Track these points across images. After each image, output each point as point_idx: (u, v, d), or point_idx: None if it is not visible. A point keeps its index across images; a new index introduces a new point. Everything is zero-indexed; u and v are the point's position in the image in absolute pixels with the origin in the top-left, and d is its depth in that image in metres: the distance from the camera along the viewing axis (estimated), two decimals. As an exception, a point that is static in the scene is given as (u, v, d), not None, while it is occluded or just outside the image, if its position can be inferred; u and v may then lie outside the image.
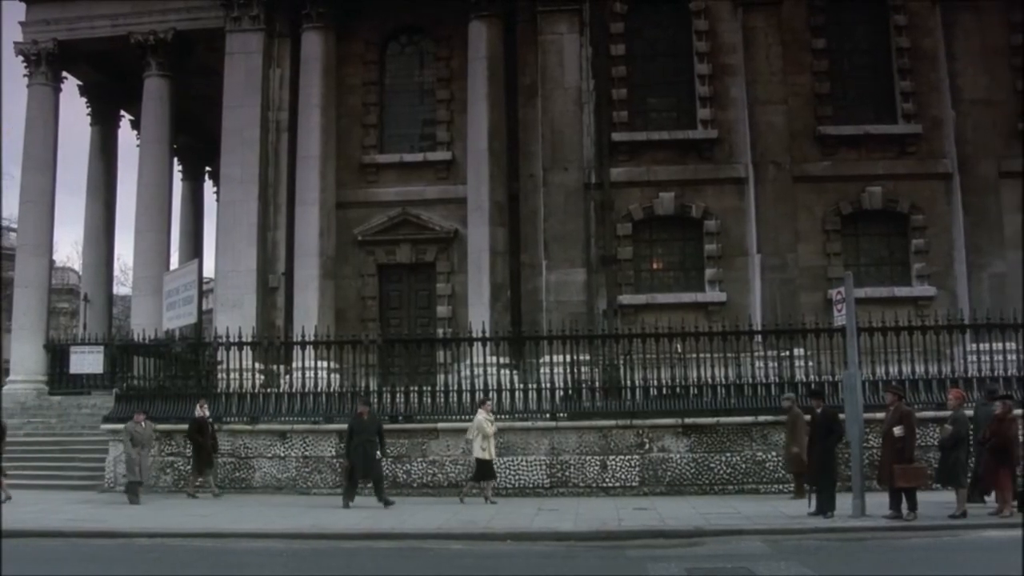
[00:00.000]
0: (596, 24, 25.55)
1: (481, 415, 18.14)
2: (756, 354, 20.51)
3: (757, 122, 24.79)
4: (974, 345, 20.80)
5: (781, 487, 18.40)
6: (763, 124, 24.74)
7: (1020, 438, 15.68)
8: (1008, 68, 25.24)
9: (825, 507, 15.21)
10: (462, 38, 25.94)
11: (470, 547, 13.43)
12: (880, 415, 16.44)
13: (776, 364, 20.14)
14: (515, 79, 25.82)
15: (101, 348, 27.18)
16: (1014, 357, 20.05)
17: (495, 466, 18.48)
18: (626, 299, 24.48)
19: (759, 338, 21.00)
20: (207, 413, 19.70)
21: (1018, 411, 16.16)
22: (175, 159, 32.12)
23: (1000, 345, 20.19)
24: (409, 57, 27.18)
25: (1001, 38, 25.31)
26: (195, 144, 34.98)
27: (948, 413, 16.14)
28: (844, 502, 15.30)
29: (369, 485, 17.88)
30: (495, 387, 19.98)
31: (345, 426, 18.46)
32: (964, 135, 24.70)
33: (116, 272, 37.73)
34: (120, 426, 19.71)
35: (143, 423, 19.04)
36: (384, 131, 26.84)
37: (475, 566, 12.20)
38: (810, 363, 20.14)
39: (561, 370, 20.15)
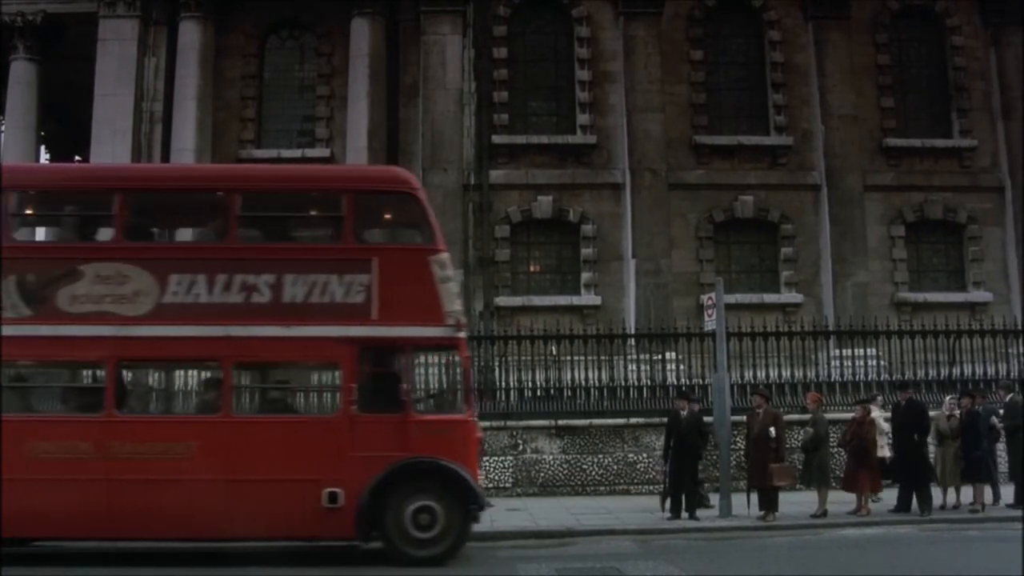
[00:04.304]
0: (479, 26, 25.61)
1: None
2: (629, 357, 20.81)
3: (635, 129, 25.17)
4: (838, 351, 21.61)
5: (651, 488, 18.69)
6: (640, 131, 25.14)
7: (878, 440, 16.35)
8: (875, 86, 26.29)
9: (690, 508, 15.56)
10: (344, 34, 25.69)
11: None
12: (744, 418, 16.82)
13: (648, 367, 20.49)
14: (397, 78, 25.68)
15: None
16: (875, 362, 20.86)
17: None
18: (503, 301, 24.56)
19: (632, 341, 21.33)
20: None
21: (876, 414, 16.83)
22: (42, 147, 31.00)
23: (862, 351, 21.03)
24: (290, 52, 26.78)
25: (868, 57, 26.37)
26: (64, 132, 33.74)
27: (810, 416, 16.69)
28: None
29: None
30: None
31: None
32: (832, 149, 25.55)
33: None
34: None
35: None
36: (262, 126, 26.34)
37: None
38: (682, 366, 20.52)
39: (436, 371, 20.10)
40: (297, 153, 25.60)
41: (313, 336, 12.09)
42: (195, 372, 13.72)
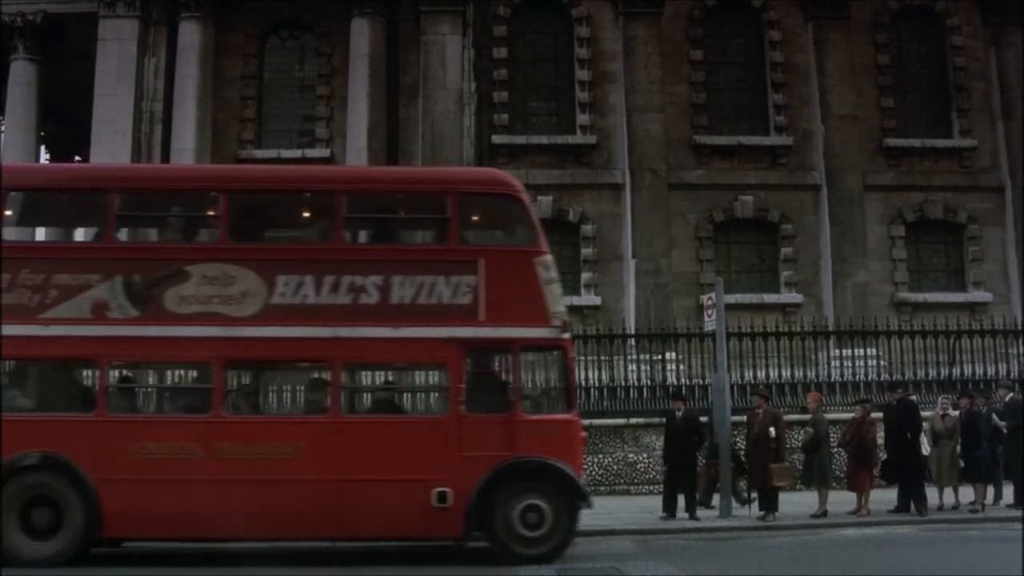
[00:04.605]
0: (479, 26, 25.61)
1: None
2: (629, 357, 20.82)
3: (635, 129, 25.18)
4: (837, 351, 21.63)
5: (652, 488, 18.70)
6: (640, 132, 25.15)
7: (878, 440, 16.37)
8: (875, 86, 26.30)
9: (689, 508, 15.58)
10: (344, 34, 25.69)
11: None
12: (744, 418, 16.84)
13: (648, 367, 20.50)
14: (397, 78, 25.68)
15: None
16: (875, 362, 20.87)
17: None
18: (503, 301, 24.48)
19: (632, 341, 21.34)
20: None
21: (876, 414, 16.85)
22: (42, 147, 31.01)
23: (862, 351, 21.04)
24: (290, 52, 26.78)
25: (868, 57, 26.37)
26: (64, 132, 33.75)
27: (809, 416, 16.71)
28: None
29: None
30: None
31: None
32: (832, 149, 25.56)
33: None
34: None
35: None
36: (262, 126, 26.34)
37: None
38: (682, 367, 20.54)
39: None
40: (297, 153, 25.57)
41: (421, 337, 12.12)
42: (298, 372, 13.83)
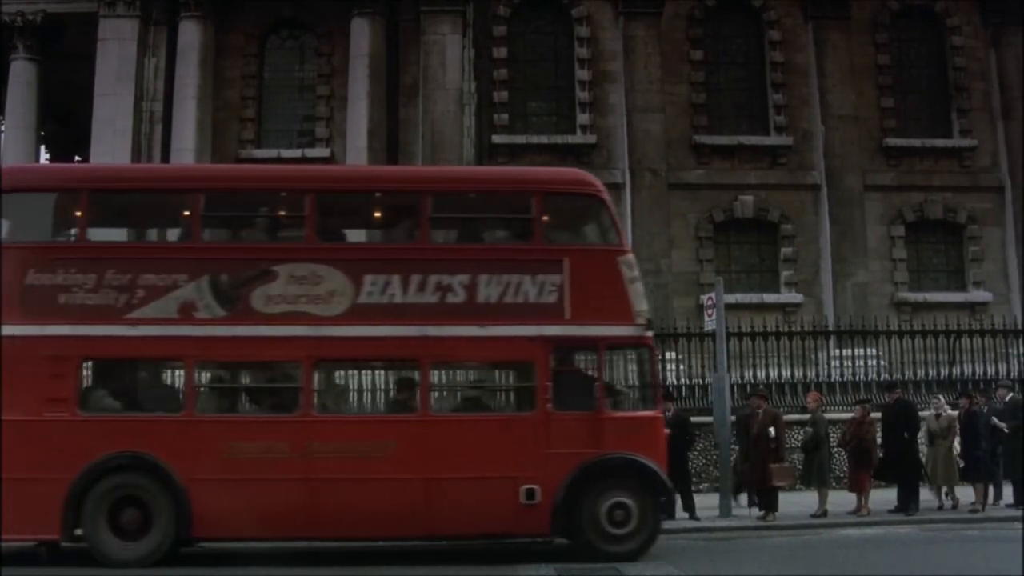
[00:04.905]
0: (479, 26, 25.61)
1: None
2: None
3: (635, 129, 25.19)
4: (837, 351, 21.64)
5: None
6: (640, 131, 25.16)
7: (878, 440, 16.38)
8: (875, 86, 26.30)
9: (688, 508, 15.59)
10: (344, 34, 25.68)
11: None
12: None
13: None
14: (397, 78, 25.67)
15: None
16: (874, 362, 20.88)
17: None
18: (503, 301, 24.49)
19: (632, 341, 21.30)
20: None
21: (876, 414, 16.87)
22: (42, 147, 31.01)
23: (862, 351, 21.05)
24: (290, 51, 26.77)
25: (868, 57, 26.37)
26: (64, 132, 33.77)
27: (809, 416, 16.72)
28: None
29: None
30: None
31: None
32: (832, 148, 25.55)
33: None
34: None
35: None
36: (262, 126, 26.32)
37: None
38: (681, 366, 20.54)
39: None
40: (297, 153, 25.56)
41: (509, 335, 12.19)
42: (385, 371, 13.90)
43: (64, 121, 32.32)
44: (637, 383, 12.97)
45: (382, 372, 14.11)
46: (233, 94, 26.06)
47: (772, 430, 15.38)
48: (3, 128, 28.16)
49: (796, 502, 16.29)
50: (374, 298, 12.16)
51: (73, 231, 12.83)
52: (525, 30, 26.43)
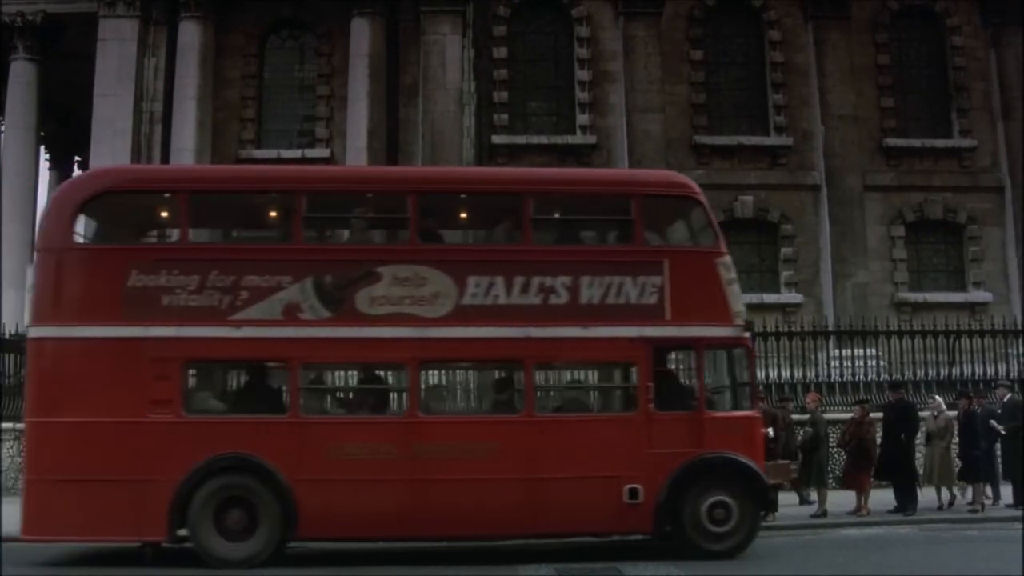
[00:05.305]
0: (479, 26, 25.62)
1: None
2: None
3: (635, 129, 25.21)
4: (837, 351, 21.63)
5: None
6: (640, 131, 25.17)
7: (877, 440, 16.40)
8: (875, 86, 26.31)
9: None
10: (344, 34, 25.70)
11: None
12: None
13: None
14: (397, 78, 25.69)
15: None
16: (874, 362, 20.88)
17: None
18: (503, 301, 24.50)
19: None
20: None
21: (876, 414, 16.87)
22: (42, 147, 31.03)
23: (861, 351, 21.04)
24: (290, 51, 26.78)
25: (868, 57, 26.38)
26: (64, 132, 33.78)
27: (808, 416, 16.74)
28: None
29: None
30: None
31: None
32: (832, 149, 25.57)
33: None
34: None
35: None
36: (262, 126, 26.34)
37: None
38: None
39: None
40: (297, 153, 25.58)
41: (611, 336, 12.21)
42: (487, 372, 13.83)
43: (64, 121, 32.33)
44: (735, 383, 13.00)
45: (484, 373, 14.02)
46: (233, 94, 26.08)
47: (771, 430, 15.36)
48: (3, 128, 28.17)
49: (796, 502, 16.31)
50: (478, 299, 12.16)
51: (174, 233, 12.79)
52: (525, 30, 26.44)
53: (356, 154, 24.84)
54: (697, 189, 13.12)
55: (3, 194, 26.64)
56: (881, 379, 20.53)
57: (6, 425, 19.44)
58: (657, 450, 11.93)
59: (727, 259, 12.66)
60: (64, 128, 33.20)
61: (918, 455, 16.90)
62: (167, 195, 12.94)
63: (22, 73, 26.91)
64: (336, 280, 12.10)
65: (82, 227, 12.62)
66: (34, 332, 12.03)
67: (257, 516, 11.59)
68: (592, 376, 14.06)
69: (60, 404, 11.66)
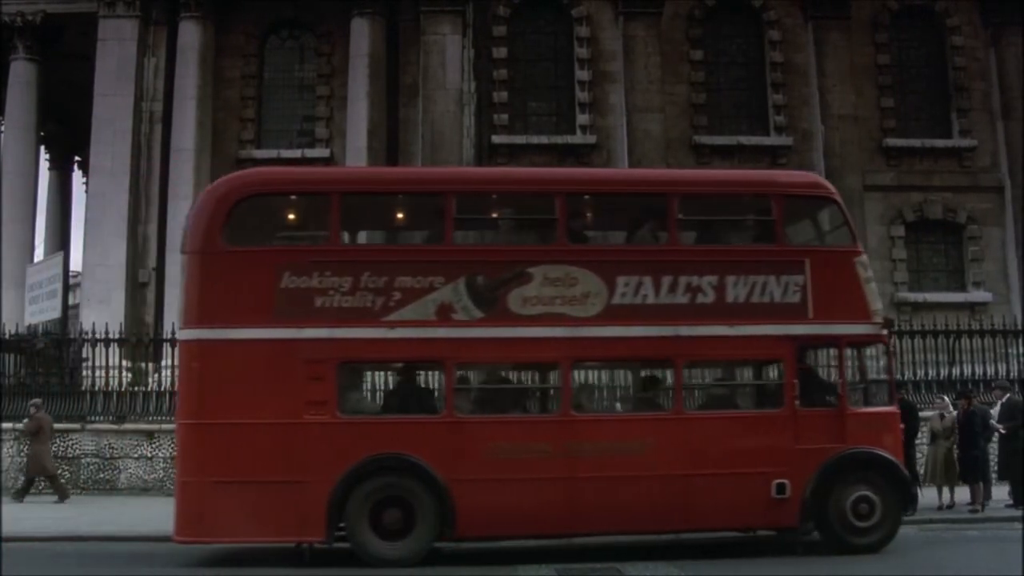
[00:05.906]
0: (479, 26, 25.62)
1: None
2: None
3: (635, 129, 25.22)
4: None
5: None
6: (640, 131, 25.18)
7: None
8: (874, 86, 26.33)
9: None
10: (344, 34, 25.70)
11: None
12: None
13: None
14: (397, 78, 25.71)
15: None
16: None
17: None
18: (503, 301, 24.51)
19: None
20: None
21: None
22: (42, 147, 31.03)
23: (861, 352, 21.00)
24: (290, 51, 26.79)
25: (868, 57, 26.40)
26: (64, 132, 33.79)
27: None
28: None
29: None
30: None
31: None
32: (832, 148, 25.58)
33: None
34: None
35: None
36: (262, 126, 26.36)
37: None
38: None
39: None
40: (297, 153, 25.59)
41: (757, 335, 12.36)
42: (636, 370, 13.91)
43: (64, 121, 32.33)
44: (874, 379, 13.22)
45: (633, 371, 14.10)
46: (233, 94, 26.08)
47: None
48: (3, 128, 28.17)
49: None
50: (627, 299, 12.23)
51: (324, 234, 12.71)
52: (525, 30, 26.45)
53: (356, 154, 24.85)
54: (833, 189, 13.33)
55: (3, 194, 26.67)
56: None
57: (6, 425, 19.48)
58: (803, 446, 12.07)
59: (864, 258, 12.87)
60: (64, 128, 33.22)
61: (919, 455, 16.90)
62: (318, 197, 12.87)
63: (22, 73, 26.93)
64: (488, 281, 12.15)
65: (231, 229, 12.38)
66: (185, 335, 11.99)
67: (414, 516, 11.63)
68: (739, 374, 14.25)
69: (213, 406, 11.65)
